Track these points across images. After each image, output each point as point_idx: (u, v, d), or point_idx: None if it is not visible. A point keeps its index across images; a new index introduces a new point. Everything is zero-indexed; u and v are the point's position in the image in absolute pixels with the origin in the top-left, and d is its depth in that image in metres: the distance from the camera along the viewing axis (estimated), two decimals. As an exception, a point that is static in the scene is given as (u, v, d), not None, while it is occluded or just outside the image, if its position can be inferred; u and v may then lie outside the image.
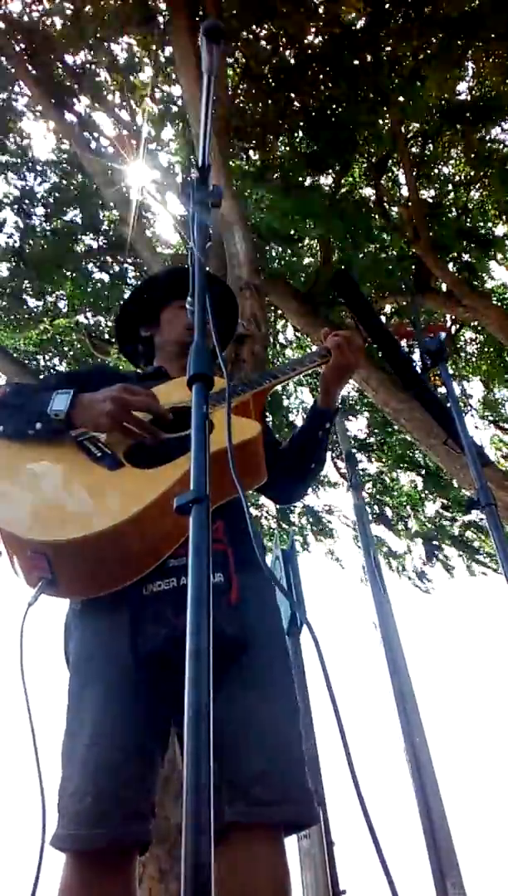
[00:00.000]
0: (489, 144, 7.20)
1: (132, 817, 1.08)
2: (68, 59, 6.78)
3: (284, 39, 6.67)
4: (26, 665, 1.09)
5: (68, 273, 7.52)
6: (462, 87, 7.05)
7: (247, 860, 1.06)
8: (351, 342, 1.62)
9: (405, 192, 7.73)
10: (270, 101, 6.94)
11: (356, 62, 6.48)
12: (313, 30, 6.57)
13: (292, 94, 6.89)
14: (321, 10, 6.35)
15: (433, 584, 8.42)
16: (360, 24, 6.51)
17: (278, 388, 8.50)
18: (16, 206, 7.44)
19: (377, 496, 8.78)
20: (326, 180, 7.71)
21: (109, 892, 1.08)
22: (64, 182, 7.78)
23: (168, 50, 6.63)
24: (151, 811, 1.12)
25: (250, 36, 6.66)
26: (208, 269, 1.14)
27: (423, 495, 8.66)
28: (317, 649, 0.89)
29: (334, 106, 6.76)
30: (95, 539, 1.14)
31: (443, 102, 6.85)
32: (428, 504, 8.68)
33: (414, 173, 7.43)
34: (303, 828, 1.18)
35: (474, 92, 7.06)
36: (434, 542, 8.42)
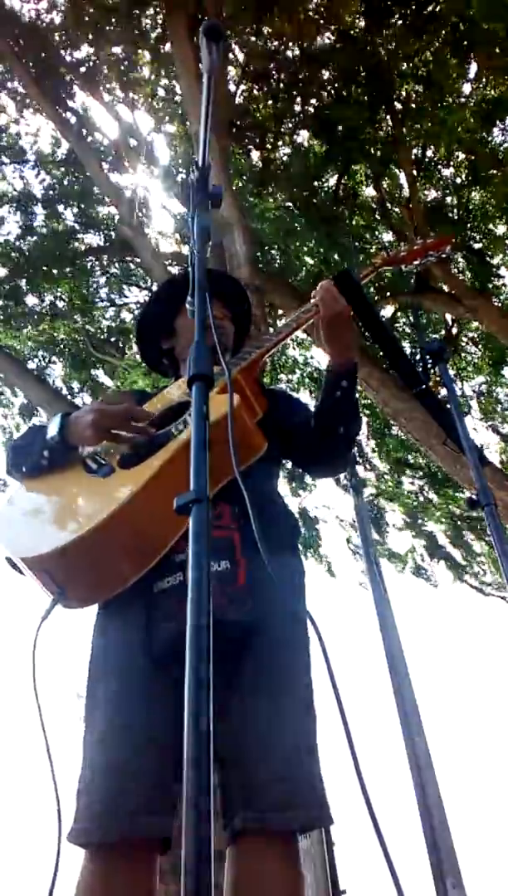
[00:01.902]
0: (489, 147, 7.18)
1: (145, 811, 1.07)
2: (66, 56, 6.78)
3: (284, 39, 6.67)
4: (39, 677, 1.13)
5: (67, 271, 7.51)
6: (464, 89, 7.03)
7: (258, 865, 1.07)
8: (330, 290, 1.52)
9: (406, 192, 7.72)
10: (271, 101, 6.95)
11: (358, 63, 6.48)
12: (313, 30, 6.57)
13: (295, 94, 6.89)
14: (320, 11, 6.35)
15: (435, 576, 8.39)
16: (361, 25, 6.50)
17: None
18: (14, 204, 7.45)
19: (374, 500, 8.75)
20: (329, 180, 7.71)
21: (127, 889, 1.07)
22: (63, 179, 7.79)
23: (168, 47, 6.63)
24: (169, 806, 1.10)
25: (251, 35, 6.66)
26: (210, 267, 1.14)
27: (425, 498, 8.65)
28: (320, 641, 0.89)
29: (336, 106, 6.75)
30: (76, 545, 1.17)
31: (446, 104, 6.83)
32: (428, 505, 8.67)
33: (415, 173, 7.43)
34: (315, 829, 1.19)
35: (475, 95, 7.04)
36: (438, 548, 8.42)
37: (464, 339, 8.75)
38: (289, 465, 1.65)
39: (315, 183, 7.55)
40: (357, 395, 1.68)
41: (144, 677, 1.18)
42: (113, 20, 6.37)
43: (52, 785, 1.06)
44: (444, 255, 1.80)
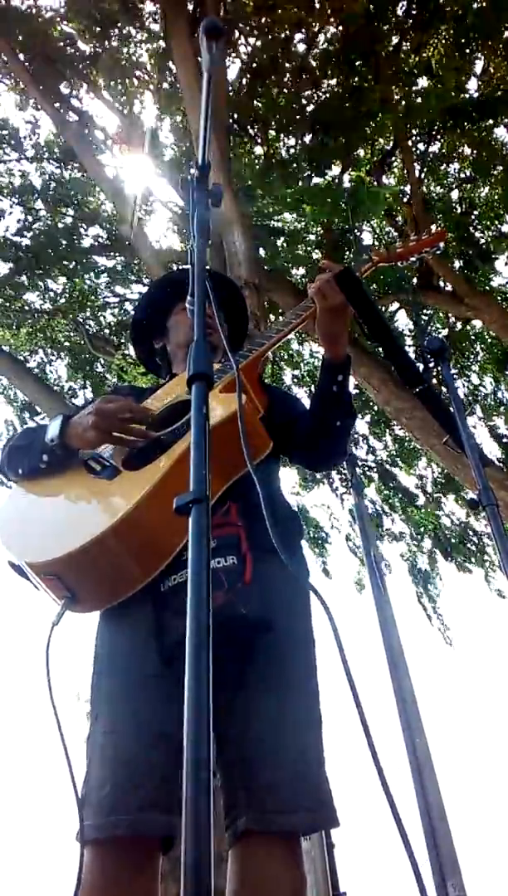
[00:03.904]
0: (492, 143, 7.15)
1: (152, 807, 1.06)
2: (65, 51, 6.75)
3: (286, 32, 6.64)
4: (54, 682, 1.12)
5: (68, 266, 7.50)
6: (469, 84, 6.98)
7: (262, 867, 1.07)
8: (329, 283, 1.50)
9: (407, 188, 7.70)
10: (274, 94, 6.92)
11: (359, 57, 6.45)
12: (315, 25, 6.56)
13: (295, 89, 6.87)
14: (323, 4, 6.33)
15: (440, 594, 8.35)
16: (363, 20, 6.47)
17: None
18: (14, 197, 7.44)
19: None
20: (330, 174, 7.68)
21: (131, 886, 1.06)
22: (62, 174, 7.79)
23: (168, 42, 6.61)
24: (177, 802, 1.08)
25: (251, 29, 6.65)
26: (210, 267, 1.14)
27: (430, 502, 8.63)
28: (328, 616, 0.88)
29: (337, 100, 6.73)
30: (86, 549, 1.16)
31: (452, 97, 6.78)
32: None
33: (418, 170, 7.41)
34: (321, 830, 1.19)
35: (482, 88, 6.99)
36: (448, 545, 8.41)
37: (471, 337, 8.70)
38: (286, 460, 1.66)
39: (318, 180, 7.53)
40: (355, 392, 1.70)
41: (154, 674, 1.17)
42: (111, 15, 6.36)
43: (71, 788, 1.07)
44: (438, 251, 1.87)
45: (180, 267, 1.84)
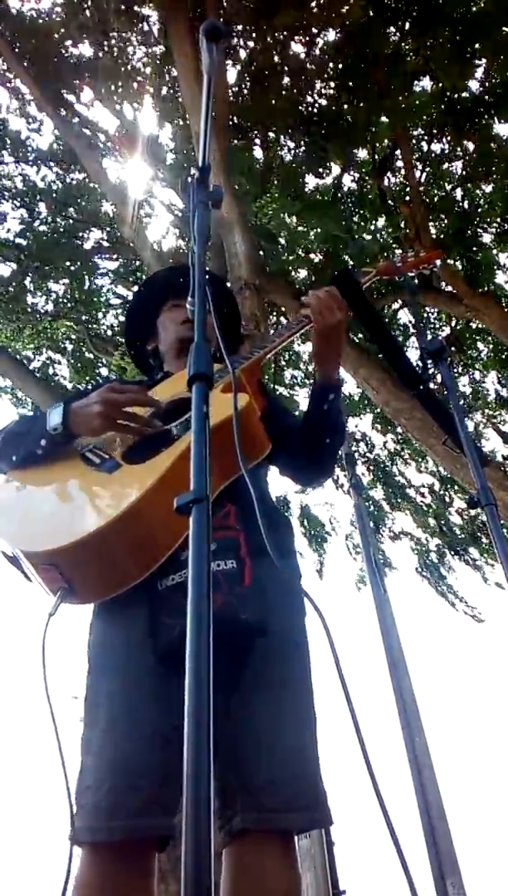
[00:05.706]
0: (493, 143, 7.13)
1: (151, 809, 1.06)
2: (67, 55, 6.76)
3: (285, 34, 6.65)
4: (49, 674, 1.12)
5: (70, 268, 7.51)
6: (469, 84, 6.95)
7: (257, 865, 1.07)
8: (326, 301, 1.51)
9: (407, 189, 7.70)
10: (274, 98, 6.92)
11: (359, 59, 6.45)
12: (314, 28, 6.57)
13: (294, 91, 6.87)
14: (321, 7, 6.33)
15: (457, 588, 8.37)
16: (363, 21, 6.47)
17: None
18: (17, 200, 7.46)
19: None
20: (328, 179, 7.69)
21: (127, 888, 1.06)
22: (64, 176, 7.81)
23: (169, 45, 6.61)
24: (174, 802, 1.08)
25: (251, 32, 6.66)
26: (207, 268, 1.14)
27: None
28: (321, 619, 0.89)
29: (336, 103, 6.74)
30: (90, 540, 1.16)
31: (448, 98, 6.77)
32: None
33: (419, 171, 7.42)
34: (315, 829, 1.19)
35: (483, 87, 6.98)
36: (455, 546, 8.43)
37: (475, 335, 8.69)
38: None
39: (317, 182, 7.54)
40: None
41: (150, 674, 1.17)
42: (111, 19, 6.37)
43: (63, 785, 1.06)
44: (434, 269, 1.99)
45: (166, 267, 1.85)
